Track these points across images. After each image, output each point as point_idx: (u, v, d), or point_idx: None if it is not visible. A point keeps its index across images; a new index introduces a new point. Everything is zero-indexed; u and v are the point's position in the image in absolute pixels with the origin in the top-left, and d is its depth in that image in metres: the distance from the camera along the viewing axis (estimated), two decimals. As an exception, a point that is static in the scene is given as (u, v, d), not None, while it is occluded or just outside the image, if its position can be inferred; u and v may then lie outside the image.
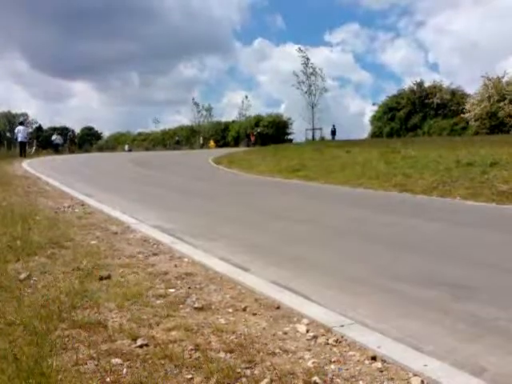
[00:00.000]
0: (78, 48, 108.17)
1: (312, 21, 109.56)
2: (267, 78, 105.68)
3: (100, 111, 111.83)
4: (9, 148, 28.50)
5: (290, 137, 46.96)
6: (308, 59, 46.13)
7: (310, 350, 2.60)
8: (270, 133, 44.35)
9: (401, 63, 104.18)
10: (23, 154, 24.62)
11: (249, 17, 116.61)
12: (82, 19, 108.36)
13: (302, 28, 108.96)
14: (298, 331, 2.86)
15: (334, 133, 42.74)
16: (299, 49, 47.60)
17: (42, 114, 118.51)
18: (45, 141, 32.57)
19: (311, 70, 45.98)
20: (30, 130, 29.24)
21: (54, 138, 35.11)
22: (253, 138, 42.00)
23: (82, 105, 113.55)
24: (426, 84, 42.20)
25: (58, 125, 72.41)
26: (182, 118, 68.76)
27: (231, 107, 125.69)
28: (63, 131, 59.57)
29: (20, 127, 26.68)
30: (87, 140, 68.12)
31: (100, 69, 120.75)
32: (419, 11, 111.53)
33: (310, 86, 46.09)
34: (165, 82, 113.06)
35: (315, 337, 2.77)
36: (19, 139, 25.32)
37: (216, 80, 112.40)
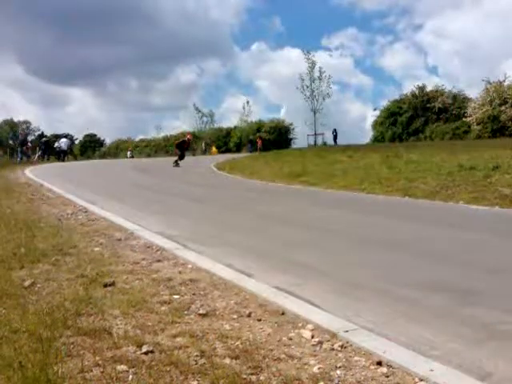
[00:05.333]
0: (74, 53, 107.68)
1: (309, 25, 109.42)
2: (266, 82, 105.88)
3: (100, 117, 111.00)
4: (11, 155, 29.11)
5: (291, 142, 46.98)
6: (314, 63, 46.30)
7: (315, 356, 2.59)
8: (271, 138, 44.35)
9: (400, 67, 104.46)
10: (62, 159, 31.44)
11: (246, 21, 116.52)
12: (78, 24, 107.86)
13: (299, 32, 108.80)
14: (303, 337, 2.85)
15: (335, 137, 42.62)
16: (307, 52, 47.71)
17: (41, 121, 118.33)
18: (48, 148, 33.91)
19: (318, 74, 46.12)
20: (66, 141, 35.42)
21: (56, 144, 35.48)
22: (259, 143, 41.72)
23: (81, 111, 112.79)
24: (428, 88, 42.31)
25: (59, 131, 72.33)
26: (182, 124, 68.82)
27: (231, 112, 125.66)
28: (67, 137, 59.66)
29: (63, 139, 34.88)
30: (89, 147, 68.15)
31: (97, 74, 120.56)
32: (417, 13, 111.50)
33: (313, 91, 46.22)
34: (163, 87, 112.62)
35: (320, 342, 2.76)
36: (62, 148, 32.68)
37: (215, 85, 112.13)
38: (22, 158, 30.44)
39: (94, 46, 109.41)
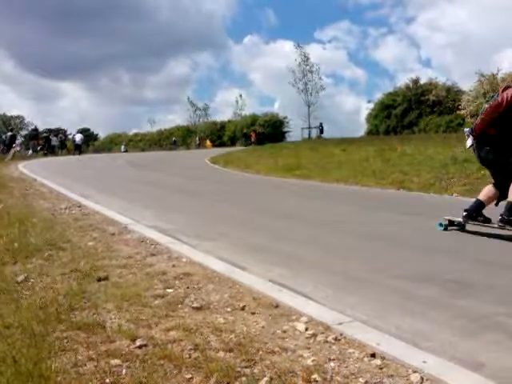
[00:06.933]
0: (65, 47, 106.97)
1: (303, 17, 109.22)
2: (259, 75, 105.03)
3: (92, 111, 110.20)
4: (2, 152, 29.04)
5: (286, 135, 46.88)
6: (306, 56, 46.15)
7: (309, 348, 2.60)
8: (266, 132, 44.25)
9: (394, 59, 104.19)
10: (77, 153, 33.43)
11: (238, 13, 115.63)
12: (69, 18, 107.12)
13: (293, 25, 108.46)
14: (297, 329, 2.86)
15: (321, 131, 42.50)
16: (298, 45, 47.58)
17: (33, 115, 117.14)
18: (46, 143, 34.49)
19: (308, 68, 45.97)
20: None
21: (51, 139, 35.56)
22: (254, 137, 41.66)
23: (73, 105, 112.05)
24: (422, 81, 42.30)
25: (51, 126, 71.75)
26: (176, 118, 68.47)
27: (225, 106, 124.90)
28: (59, 131, 59.30)
29: (78, 134, 36.69)
30: (83, 141, 67.69)
31: (89, 68, 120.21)
32: (410, 5, 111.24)
33: (306, 84, 46.10)
34: (156, 80, 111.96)
35: (314, 335, 2.76)
36: (76, 142, 35.23)
37: (208, 78, 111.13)
38: (34, 151, 32.02)
39: (85, 40, 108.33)
